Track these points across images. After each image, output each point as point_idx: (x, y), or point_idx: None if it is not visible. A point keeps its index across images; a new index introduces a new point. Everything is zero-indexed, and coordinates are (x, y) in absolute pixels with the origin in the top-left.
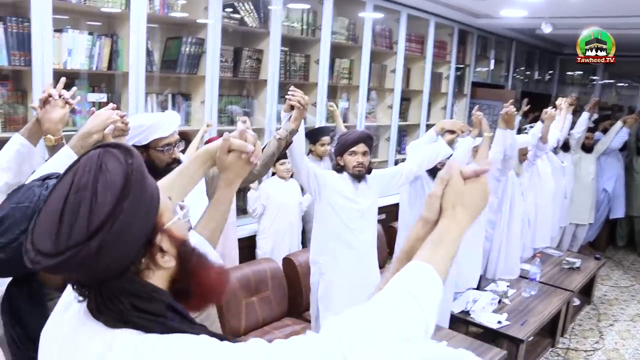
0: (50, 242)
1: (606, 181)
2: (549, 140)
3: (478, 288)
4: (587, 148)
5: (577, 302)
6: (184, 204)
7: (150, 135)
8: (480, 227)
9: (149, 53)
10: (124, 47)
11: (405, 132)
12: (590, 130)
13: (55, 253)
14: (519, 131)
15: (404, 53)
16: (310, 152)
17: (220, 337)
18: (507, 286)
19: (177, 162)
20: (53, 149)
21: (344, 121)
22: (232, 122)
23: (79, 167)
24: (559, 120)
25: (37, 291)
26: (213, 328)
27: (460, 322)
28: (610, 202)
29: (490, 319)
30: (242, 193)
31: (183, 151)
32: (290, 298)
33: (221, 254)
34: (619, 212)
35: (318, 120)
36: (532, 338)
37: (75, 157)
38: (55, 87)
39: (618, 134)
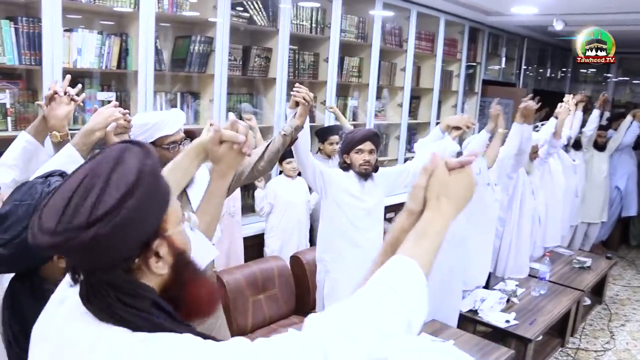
0: (53, 220)
1: (619, 179)
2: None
3: (487, 287)
4: (600, 146)
5: (587, 301)
6: (193, 216)
7: (156, 133)
8: (490, 225)
9: (158, 52)
10: (133, 46)
11: (415, 130)
12: (603, 128)
13: (54, 232)
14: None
15: (413, 51)
16: (319, 150)
17: (204, 336)
18: (516, 285)
19: None
20: (59, 146)
21: (354, 119)
22: (241, 119)
23: (103, 156)
24: (569, 118)
25: (38, 287)
26: (217, 325)
27: (468, 321)
28: (623, 200)
29: (499, 318)
30: (249, 192)
31: None
32: (298, 296)
33: (227, 252)
34: (631, 210)
35: (327, 119)
36: (541, 338)
37: (78, 155)
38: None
39: (629, 129)
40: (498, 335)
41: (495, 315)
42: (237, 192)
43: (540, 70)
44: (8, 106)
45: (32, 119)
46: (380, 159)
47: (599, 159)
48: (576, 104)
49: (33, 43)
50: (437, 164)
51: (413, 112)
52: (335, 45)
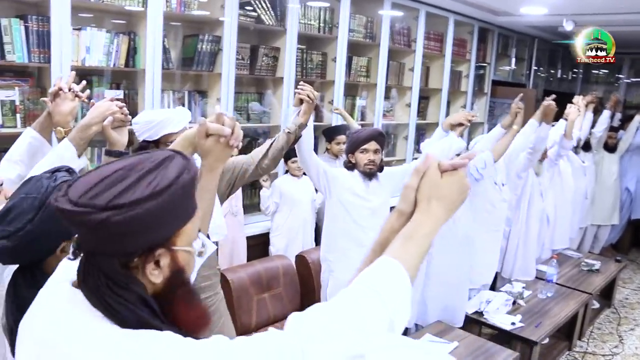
0: (79, 192)
1: (629, 181)
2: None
3: (493, 288)
4: (610, 147)
5: (596, 305)
6: (210, 248)
7: (161, 130)
8: (498, 224)
9: (165, 50)
10: (141, 44)
11: (423, 131)
12: (614, 129)
13: (74, 202)
14: None
15: (422, 51)
16: (327, 150)
17: (184, 335)
18: (523, 287)
19: None
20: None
21: (362, 119)
22: (248, 118)
23: (149, 155)
24: (579, 119)
25: (40, 280)
26: (220, 323)
27: (473, 323)
28: (633, 202)
29: (504, 320)
30: (252, 191)
31: None
32: (303, 295)
33: (230, 252)
34: None
35: (335, 118)
36: (547, 340)
37: (74, 150)
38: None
39: (639, 129)
40: (503, 338)
41: (500, 317)
42: (239, 191)
43: (552, 71)
44: (17, 103)
45: None
46: (388, 159)
47: (609, 160)
48: (586, 105)
49: (42, 41)
50: (430, 165)
51: (422, 113)
52: (343, 45)
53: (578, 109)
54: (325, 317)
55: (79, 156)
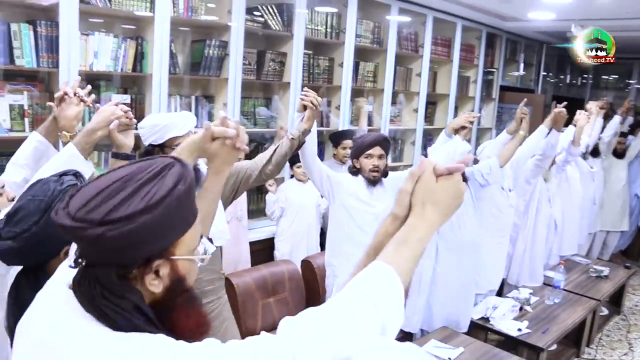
0: (77, 206)
1: (638, 187)
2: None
3: (500, 295)
4: (619, 153)
5: (605, 311)
6: (208, 250)
7: (166, 134)
8: (504, 230)
9: (172, 55)
10: (148, 49)
11: (431, 136)
12: (623, 134)
13: (72, 217)
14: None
15: (429, 56)
16: (334, 155)
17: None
18: (530, 293)
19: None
20: None
21: (369, 124)
22: (255, 123)
23: (149, 163)
24: (589, 125)
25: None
26: (223, 327)
27: (479, 329)
28: None
29: (510, 327)
30: (257, 195)
31: None
32: (308, 300)
33: (234, 257)
34: None
35: (341, 123)
36: (555, 347)
37: (79, 155)
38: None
39: None
40: (510, 344)
41: (507, 323)
42: (244, 196)
43: (561, 77)
44: (26, 107)
45: None
46: (396, 164)
47: (617, 166)
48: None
49: (51, 46)
50: (425, 169)
51: (429, 118)
52: (350, 50)
53: (588, 116)
54: (317, 321)
55: (85, 160)
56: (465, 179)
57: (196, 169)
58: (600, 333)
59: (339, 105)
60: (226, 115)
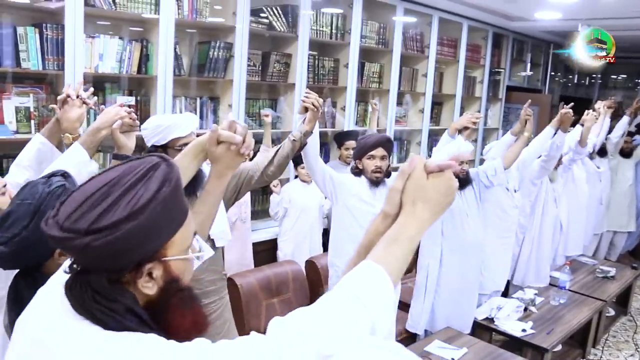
0: (64, 215)
1: None
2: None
3: (505, 295)
4: (626, 153)
5: (611, 312)
6: (206, 253)
7: (168, 135)
8: (509, 230)
9: (177, 57)
10: (153, 51)
11: (437, 137)
12: (630, 134)
13: (60, 227)
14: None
15: (435, 57)
16: (340, 157)
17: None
18: (535, 294)
19: None
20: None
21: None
22: (260, 125)
23: (135, 165)
24: (597, 124)
25: (40, 282)
26: (225, 328)
27: (484, 330)
28: None
29: (515, 327)
30: (261, 197)
31: None
32: (312, 301)
33: (238, 258)
34: None
35: (347, 124)
36: (560, 348)
37: (85, 153)
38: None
39: None
40: (514, 345)
41: (511, 323)
42: (248, 198)
43: (569, 76)
44: (32, 110)
45: None
46: (401, 165)
47: (624, 166)
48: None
49: (57, 49)
50: (415, 166)
51: (435, 118)
52: (355, 51)
53: (596, 117)
54: (306, 321)
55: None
56: (470, 180)
57: (199, 170)
58: (606, 334)
59: (344, 106)
60: (234, 120)
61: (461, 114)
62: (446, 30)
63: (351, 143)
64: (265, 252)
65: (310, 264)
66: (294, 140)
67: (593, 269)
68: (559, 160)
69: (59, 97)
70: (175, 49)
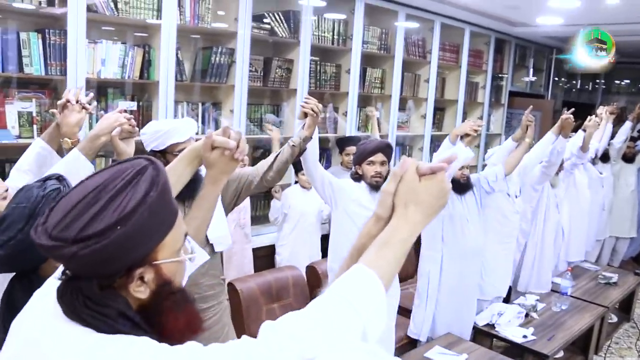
0: (53, 223)
1: None
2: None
3: (507, 301)
4: (628, 158)
5: (614, 318)
6: (199, 256)
7: (167, 140)
8: (510, 236)
9: (179, 63)
10: (155, 57)
11: (439, 142)
12: (633, 139)
13: (49, 235)
14: None
15: (437, 62)
16: (342, 163)
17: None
18: (537, 300)
19: None
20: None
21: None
22: (261, 129)
23: (123, 168)
24: (599, 130)
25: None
26: (224, 333)
27: (485, 336)
28: None
29: (516, 333)
30: (260, 203)
31: None
32: None
33: (237, 264)
34: None
35: (348, 129)
36: (562, 354)
37: (84, 159)
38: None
39: None
40: (515, 351)
41: (512, 330)
42: (247, 204)
43: (573, 82)
44: (34, 114)
45: None
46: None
47: (627, 171)
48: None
49: (59, 54)
50: (407, 169)
51: (437, 124)
52: (357, 56)
53: (598, 123)
54: (297, 326)
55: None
56: (470, 186)
57: (197, 174)
58: (609, 340)
59: (346, 112)
60: (228, 125)
61: (464, 120)
62: (448, 36)
63: (353, 149)
64: (265, 257)
65: (310, 269)
66: (293, 145)
67: (595, 275)
68: (560, 165)
69: (58, 102)
70: (177, 54)
